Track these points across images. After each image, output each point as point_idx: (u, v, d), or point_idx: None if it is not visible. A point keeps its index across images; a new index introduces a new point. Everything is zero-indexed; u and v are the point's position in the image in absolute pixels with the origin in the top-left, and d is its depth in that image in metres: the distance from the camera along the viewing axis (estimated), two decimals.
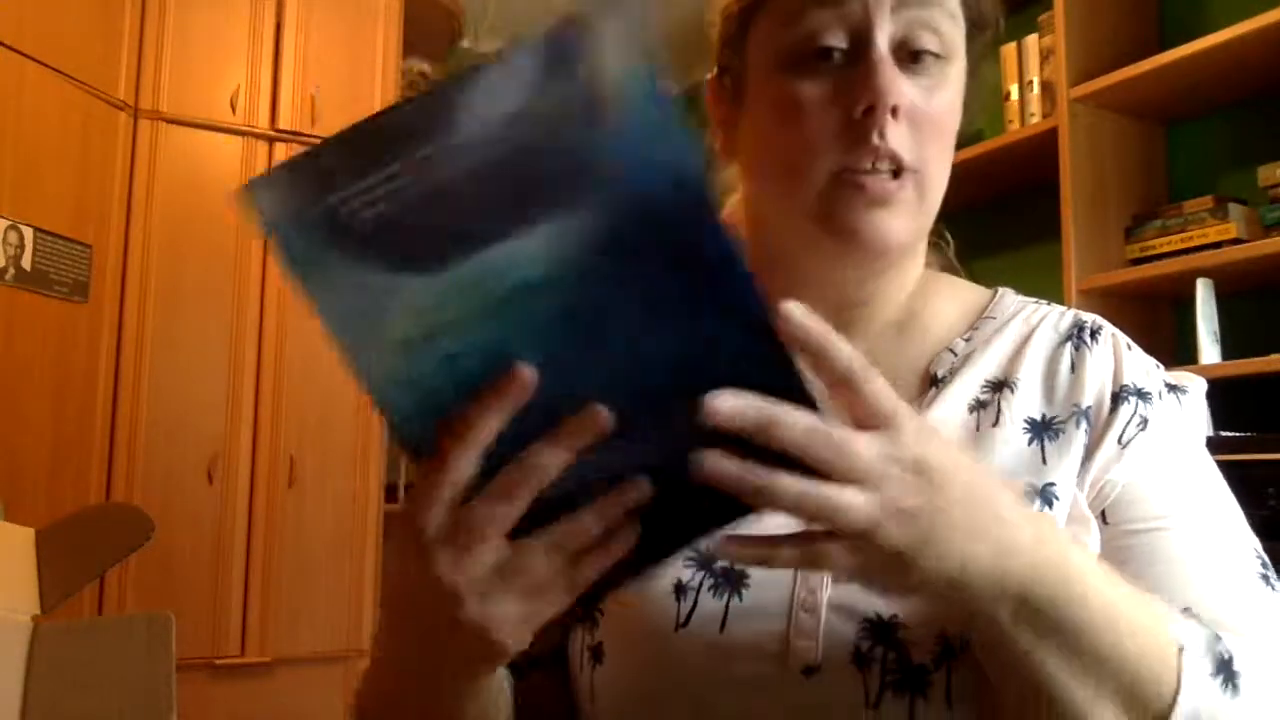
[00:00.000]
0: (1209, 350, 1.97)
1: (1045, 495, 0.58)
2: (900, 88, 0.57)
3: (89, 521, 1.17)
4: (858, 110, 0.57)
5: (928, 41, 0.59)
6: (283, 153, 2.70)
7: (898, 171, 0.58)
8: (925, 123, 0.59)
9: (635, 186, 0.39)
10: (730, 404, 0.41)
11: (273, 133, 2.70)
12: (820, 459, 0.41)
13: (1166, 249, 2.06)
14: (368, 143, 0.38)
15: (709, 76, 0.70)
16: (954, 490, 0.44)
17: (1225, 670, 0.50)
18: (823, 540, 0.43)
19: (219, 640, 2.52)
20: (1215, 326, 1.98)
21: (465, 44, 3.36)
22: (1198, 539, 0.59)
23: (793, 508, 0.42)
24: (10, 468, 2.17)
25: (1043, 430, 0.61)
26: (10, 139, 2.22)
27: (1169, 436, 0.61)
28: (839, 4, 0.58)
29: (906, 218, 0.59)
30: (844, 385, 0.44)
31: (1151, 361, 0.66)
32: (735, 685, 0.56)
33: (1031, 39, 2.39)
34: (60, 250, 2.33)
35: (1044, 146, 2.23)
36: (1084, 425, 0.61)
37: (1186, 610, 0.54)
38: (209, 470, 2.55)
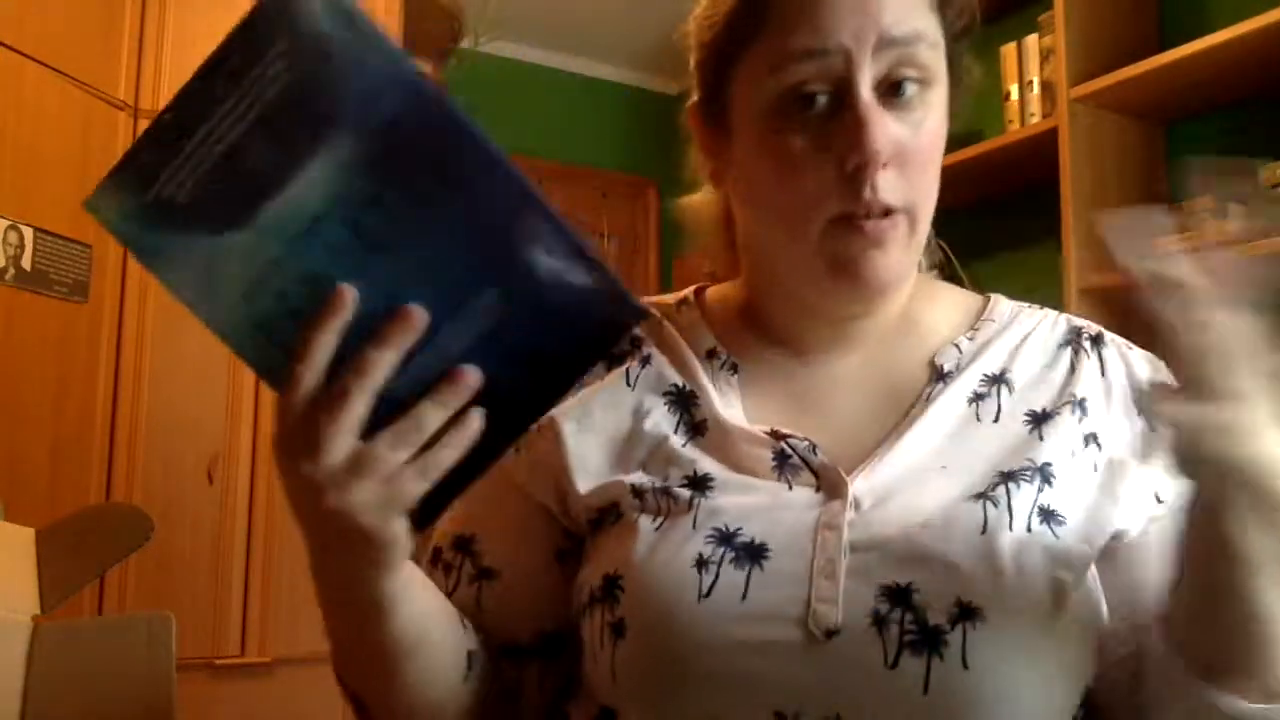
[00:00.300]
0: None
1: (1044, 474, 0.63)
2: (888, 138, 0.59)
3: (89, 521, 1.17)
4: (849, 165, 0.60)
5: (908, 75, 0.61)
6: None
7: (890, 211, 0.61)
8: (913, 159, 0.61)
9: (370, 110, 0.45)
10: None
11: None
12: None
13: None
14: (165, 133, 0.46)
15: (691, 102, 0.72)
16: (1260, 378, 0.49)
17: None
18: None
19: (219, 640, 2.52)
20: None
21: (465, 44, 3.36)
22: None
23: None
24: (10, 468, 2.17)
25: (1041, 420, 0.66)
26: (10, 139, 2.22)
27: None
28: (822, 56, 0.60)
29: (899, 253, 0.63)
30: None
31: (1149, 355, 0.70)
32: (758, 650, 0.58)
33: (1031, 39, 2.39)
34: (60, 250, 2.33)
35: (1044, 146, 2.23)
36: (1078, 413, 0.66)
37: None
38: (209, 470, 2.55)
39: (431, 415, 0.49)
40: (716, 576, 0.59)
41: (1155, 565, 0.64)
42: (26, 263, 2.24)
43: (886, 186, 0.60)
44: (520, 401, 0.51)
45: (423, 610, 0.60)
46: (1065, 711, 0.60)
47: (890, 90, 0.61)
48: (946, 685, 0.55)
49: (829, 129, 0.60)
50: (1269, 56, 1.94)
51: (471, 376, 0.49)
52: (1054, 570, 0.59)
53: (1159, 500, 0.65)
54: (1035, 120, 2.34)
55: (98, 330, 2.44)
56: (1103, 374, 0.68)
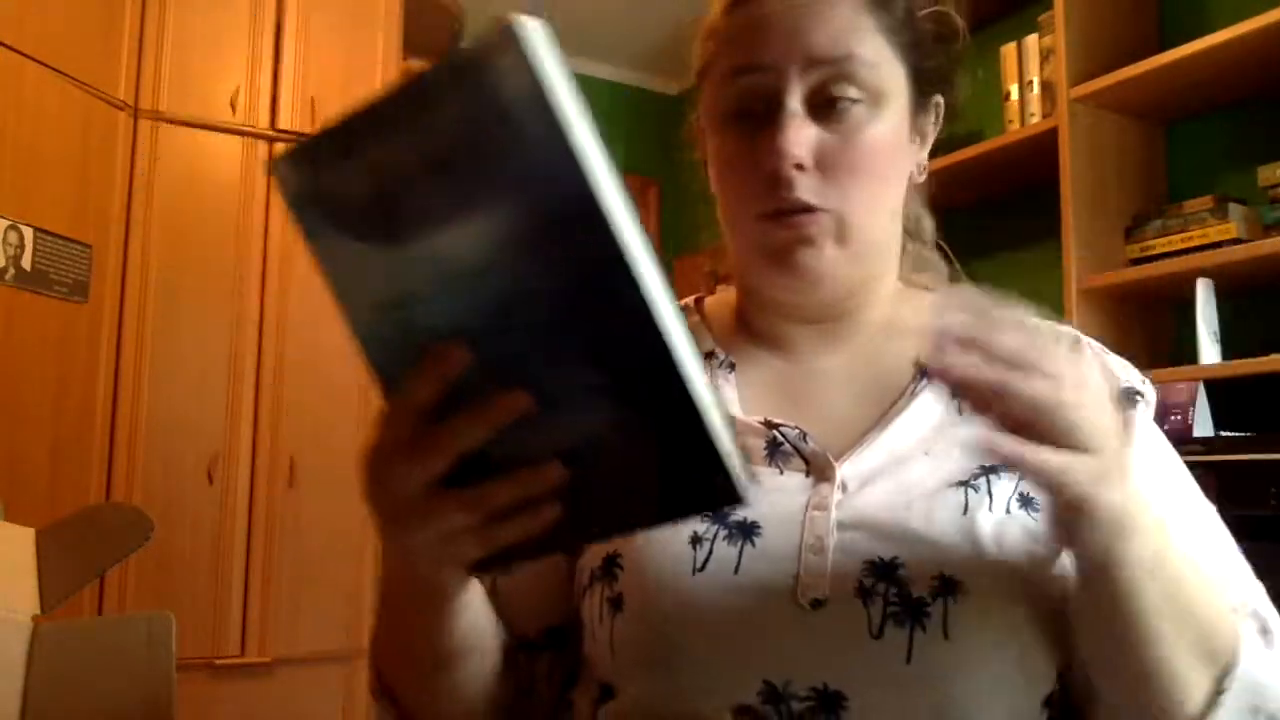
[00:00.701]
0: (1209, 350, 1.97)
1: None
2: (804, 143, 0.65)
3: (89, 521, 1.17)
4: (766, 166, 0.66)
5: (844, 91, 0.66)
6: None
7: (812, 209, 0.66)
8: (839, 166, 0.66)
9: (540, 198, 0.43)
10: (962, 365, 0.48)
11: (273, 133, 2.70)
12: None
13: (1166, 249, 2.06)
14: (345, 136, 0.45)
15: (696, 116, 0.78)
16: (1117, 435, 0.51)
17: (1264, 629, 0.59)
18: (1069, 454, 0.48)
19: (219, 640, 2.52)
20: (1215, 326, 1.98)
21: (465, 44, 3.36)
22: (1200, 513, 0.68)
23: (1027, 408, 0.48)
24: (10, 468, 2.17)
25: None
26: (10, 139, 2.22)
27: (1152, 427, 0.71)
28: (759, 70, 0.67)
29: (831, 250, 0.67)
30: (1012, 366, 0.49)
31: (1124, 360, 0.74)
32: (749, 619, 0.61)
33: (1031, 39, 2.39)
34: (60, 250, 2.33)
35: (1044, 146, 2.23)
36: None
37: None
38: (209, 470, 2.55)
39: (500, 495, 0.49)
40: (710, 552, 0.63)
41: None
42: (26, 263, 2.24)
43: (806, 187, 0.66)
44: (597, 515, 0.51)
45: (479, 618, 0.64)
46: (1041, 685, 0.62)
47: (825, 103, 0.67)
48: (928, 654, 0.58)
49: (758, 137, 0.67)
50: (1269, 56, 1.94)
51: (554, 474, 0.49)
52: (1030, 547, 0.62)
53: None
54: (1035, 120, 2.34)
55: (98, 330, 2.44)
56: None
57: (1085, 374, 0.50)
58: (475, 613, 0.62)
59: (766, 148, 0.66)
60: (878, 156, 0.68)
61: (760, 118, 0.67)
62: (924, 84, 0.72)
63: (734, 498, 0.48)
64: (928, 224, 0.83)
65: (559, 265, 0.45)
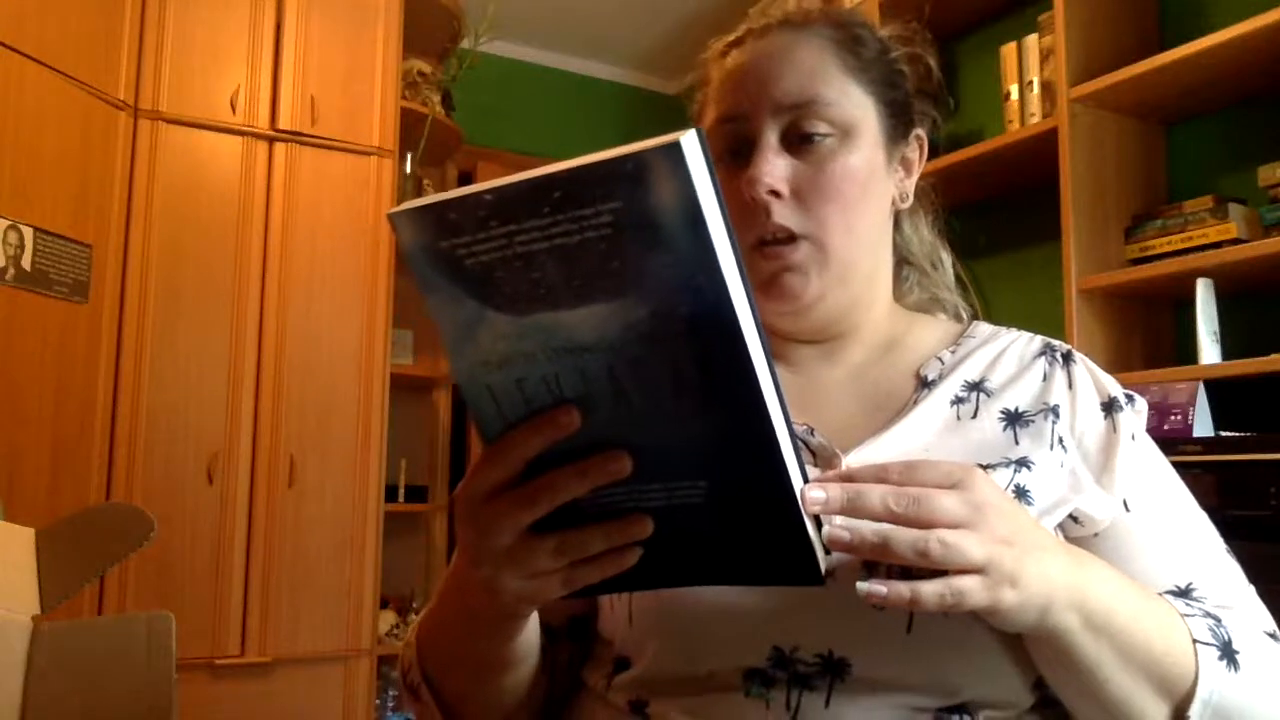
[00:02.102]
0: (1209, 350, 1.97)
1: (1021, 463, 0.70)
2: (775, 172, 0.73)
3: (89, 521, 1.17)
4: (746, 194, 0.73)
5: (815, 126, 0.74)
6: (282, 153, 2.71)
7: (795, 237, 0.73)
8: (812, 193, 0.73)
9: (673, 297, 0.47)
10: (821, 494, 0.52)
11: (273, 133, 2.70)
12: (919, 519, 0.52)
13: (1166, 249, 2.06)
14: (477, 209, 0.46)
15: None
16: (1024, 519, 0.56)
17: (1227, 652, 0.61)
18: (957, 577, 0.52)
19: (219, 640, 2.52)
20: (1215, 326, 1.98)
21: (465, 44, 3.36)
22: (1188, 518, 0.72)
23: (914, 556, 0.51)
24: (10, 468, 2.17)
25: (1015, 419, 0.73)
26: (10, 139, 2.22)
27: (1143, 434, 0.75)
28: (738, 120, 0.76)
29: (810, 275, 0.74)
30: (907, 493, 0.53)
31: (1111, 377, 0.78)
32: (761, 591, 0.65)
33: (1031, 39, 2.39)
34: (60, 250, 2.33)
35: (1044, 146, 2.23)
36: (1051, 419, 0.73)
37: (1190, 584, 0.67)
38: (209, 470, 2.55)
39: (596, 543, 0.54)
40: None
41: (1112, 560, 0.68)
42: (26, 263, 2.24)
43: (783, 214, 0.73)
44: (674, 567, 0.57)
45: (533, 627, 0.68)
46: (1031, 667, 0.64)
47: (799, 139, 0.74)
48: (927, 626, 0.62)
49: (743, 171, 0.74)
50: (1269, 56, 1.94)
51: (644, 528, 0.54)
52: None
53: (1127, 509, 0.70)
54: (1035, 120, 2.34)
55: (98, 330, 2.44)
56: (1070, 386, 0.75)
57: (970, 481, 0.54)
58: (532, 625, 0.67)
59: (747, 179, 0.73)
60: (850, 183, 0.74)
61: (745, 157, 0.74)
62: (898, 116, 0.79)
63: (812, 579, 0.54)
64: (945, 256, 0.89)
65: (680, 357, 0.48)
